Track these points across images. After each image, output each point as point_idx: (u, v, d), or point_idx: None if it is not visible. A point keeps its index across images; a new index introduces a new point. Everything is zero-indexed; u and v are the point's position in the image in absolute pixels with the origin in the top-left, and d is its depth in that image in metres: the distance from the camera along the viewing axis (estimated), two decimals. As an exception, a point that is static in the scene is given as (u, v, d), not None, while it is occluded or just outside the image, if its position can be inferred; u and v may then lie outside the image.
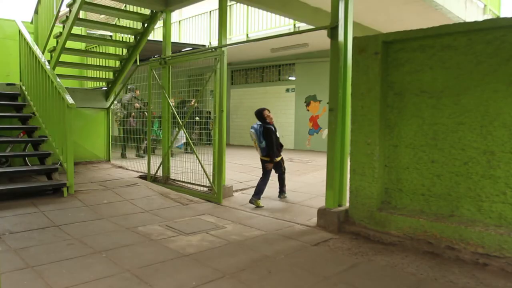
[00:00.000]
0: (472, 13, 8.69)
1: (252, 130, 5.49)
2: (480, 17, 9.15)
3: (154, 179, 6.47)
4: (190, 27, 13.49)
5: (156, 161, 6.61)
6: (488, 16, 9.59)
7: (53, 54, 6.56)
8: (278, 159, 5.57)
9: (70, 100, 5.17)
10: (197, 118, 6.74)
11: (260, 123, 5.49)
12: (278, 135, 5.62)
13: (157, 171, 6.50)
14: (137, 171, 7.10)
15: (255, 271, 3.00)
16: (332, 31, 4.09)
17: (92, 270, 2.94)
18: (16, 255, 3.22)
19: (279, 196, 5.72)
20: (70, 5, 5.82)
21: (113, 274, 2.88)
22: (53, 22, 6.16)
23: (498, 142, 3.22)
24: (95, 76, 8.44)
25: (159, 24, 9.35)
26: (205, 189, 5.71)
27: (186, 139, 6.21)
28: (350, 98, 4.04)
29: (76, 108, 5.31)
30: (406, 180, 3.75)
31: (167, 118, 6.47)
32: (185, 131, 6.15)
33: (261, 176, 5.46)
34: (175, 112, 6.29)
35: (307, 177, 7.46)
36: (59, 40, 6.28)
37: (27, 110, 6.42)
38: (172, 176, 6.45)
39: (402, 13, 7.90)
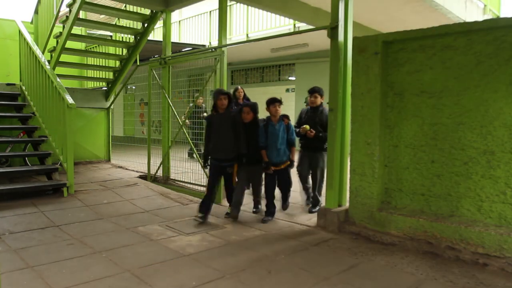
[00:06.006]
0: (472, 13, 8.69)
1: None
2: (480, 17, 9.15)
3: (154, 179, 6.47)
4: (190, 27, 13.48)
5: (156, 161, 6.61)
6: (488, 16, 9.59)
7: (53, 54, 6.56)
8: None
9: (70, 100, 5.17)
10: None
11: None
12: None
13: (157, 171, 6.50)
14: (137, 171, 7.10)
15: (255, 271, 3.00)
16: (332, 31, 4.09)
17: (92, 270, 2.94)
18: (16, 255, 3.22)
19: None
20: (70, 5, 5.83)
21: (113, 274, 2.88)
22: (53, 22, 6.16)
23: (498, 142, 3.22)
24: (95, 76, 8.44)
25: (159, 24, 9.35)
26: (205, 189, 5.70)
27: (186, 138, 6.20)
28: (350, 98, 4.04)
29: (76, 108, 5.31)
30: (406, 180, 3.75)
31: (167, 118, 6.47)
32: (185, 131, 6.15)
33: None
34: (176, 113, 6.30)
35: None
36: (59, 40, 6.28)
37: (27, 110, 6.42)
38: (172, 176, 6.45)
39: (402, 13, 7.90)
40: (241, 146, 4.30)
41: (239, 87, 5.99)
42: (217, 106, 4.37)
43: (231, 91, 5.53)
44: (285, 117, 4.44)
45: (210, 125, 4.44)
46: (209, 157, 4.46)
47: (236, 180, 4.50)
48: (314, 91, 4.72)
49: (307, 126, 4.56)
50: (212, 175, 4.47)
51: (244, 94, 5.99)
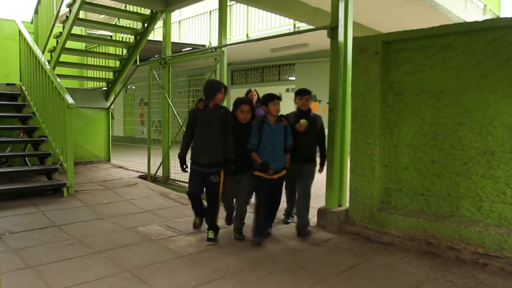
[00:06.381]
0: (472, 13, 8.69)
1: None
2: (480, 17, 9.15)
3: (154, 179, 6.47)
4: (190, 27, 13.48)
5: (156, 161, 6.61)
6: (488, 16, 9.59)
7: (53, 54, 6.57)
8: None
9: (70, 100, 5.17)
10: None
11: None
12: None
13: (157, 171, 6.50)
14: (137, 171, 7.10)
15: (255, 271, 3.00)
16: (332, 31, 4.09)
17: (92, 270, 2.94)
18: (16, 255, 3.22)
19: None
20: (70, 5, 5.83)
21: (113, 274, 2.88)
22: (53, 22, 6.16)
23: (498, 142, 3.22)
24: (95, 76, 8.45)
25: (159, 24, 9.35)
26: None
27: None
28: (350, 98, 4.04)
29: (76, 108, 5.31)
30: (406, 180, 3.75)
31: (167, 118, 6.47)
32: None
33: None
34: (176, 113, 6.29)
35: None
36: (59, 40, 6.28)
37: (27, 110, 6.42)
38: (172, 176, 6.45)
39: (402, 13, 7.90)
40: (230, 150, 3.58)
41: (253, 88, 5.13)
42: (217, 101, 3.62)
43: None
44: (284, 118, 3.83)
45: (195, 121, 3.64)
46: (185, 158, 3.70)
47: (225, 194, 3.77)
48: (306, 93, 4.04)
49: (305, 121, 3.84)
50: (193, 184, 3.68)
51: (258, 97, 4.95)
